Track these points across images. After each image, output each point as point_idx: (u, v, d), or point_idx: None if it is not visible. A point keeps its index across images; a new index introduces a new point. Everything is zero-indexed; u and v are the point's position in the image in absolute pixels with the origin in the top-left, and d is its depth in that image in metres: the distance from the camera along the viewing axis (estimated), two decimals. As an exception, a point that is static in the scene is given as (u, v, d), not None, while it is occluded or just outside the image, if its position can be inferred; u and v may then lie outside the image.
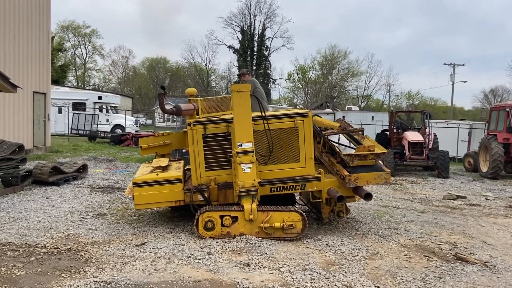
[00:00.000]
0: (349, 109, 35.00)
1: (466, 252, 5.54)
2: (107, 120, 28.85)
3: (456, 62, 47.55)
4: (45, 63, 16.22)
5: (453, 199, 9.87)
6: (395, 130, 15.79)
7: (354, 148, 6.45)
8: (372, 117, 27.25)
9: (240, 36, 55.76)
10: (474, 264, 5.02)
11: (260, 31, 55.69)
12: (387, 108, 52.63)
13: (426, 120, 15.34)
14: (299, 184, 6.01)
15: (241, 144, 5.61)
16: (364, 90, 64.88)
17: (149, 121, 58.08)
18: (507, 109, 14.44)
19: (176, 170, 6.19)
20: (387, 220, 7.22)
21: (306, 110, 6.26)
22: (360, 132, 6.87)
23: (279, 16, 76.96)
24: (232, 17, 56.25)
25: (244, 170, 5.59)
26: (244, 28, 55.49)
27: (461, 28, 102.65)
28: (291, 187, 6.02)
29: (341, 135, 6.81)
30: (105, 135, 24.87)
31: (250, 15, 55.42)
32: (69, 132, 25.37)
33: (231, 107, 6.63)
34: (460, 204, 9.31)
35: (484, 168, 14.74)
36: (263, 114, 5.89)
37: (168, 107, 5.98)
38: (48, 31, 16.65)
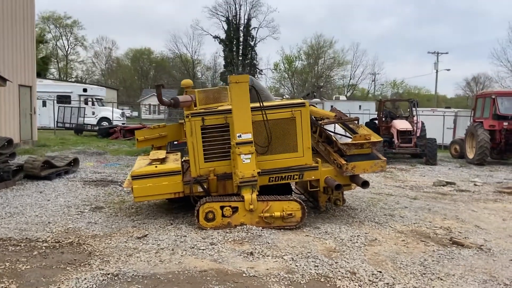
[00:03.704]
0: (337, 98, 35.22)
1: (461, 236, 5.70)
2: (93, 113, 28.40)
3: (440, 50, 47.94)
4: (30, 56, 15.89)
5: (443, 185, 10.08)
6: (383, 119, 15.98)
7: (350, 137, 6.54)
8: (360, 106, 27.47)
9: (225, 26, 55.25)
10: (469, 248, 5.18)
11: (245, 21, 55.20)
12: (374, 97, 53.04)
13: (414, 109, 15.56)
14: (297, 173, 6.09)
15: (240, 135, 5.64)
16: (350, 79, 65.28)
17: (135, 113, 57.44)
18: (493, 96, 14.74)
19: (174, 162, 6.20)
20: (381, 207, 7.36)
21: (303, 100, 6.31)
22: (355, 121, 6.96)
23: (264, 5, 76.35)
24: (217, 6, 55.63)
25: (244, 161, 5.64)
26: (230, 18, 54.99)
27: (445, 17, 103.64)
28: (290, 176, 6.09)
29: (336, 124, 6.89)
30: (92, 128, 24.58)
31: (235, 5, 54.84)
32: (55, 126, 24.98)
33: (228, 98, 6.63)
34: (450, 190, 9.52)
35: (470, 155, 15.06)
36: (261, 104, 5.93)
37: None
38: (33, 23, 16.29)
